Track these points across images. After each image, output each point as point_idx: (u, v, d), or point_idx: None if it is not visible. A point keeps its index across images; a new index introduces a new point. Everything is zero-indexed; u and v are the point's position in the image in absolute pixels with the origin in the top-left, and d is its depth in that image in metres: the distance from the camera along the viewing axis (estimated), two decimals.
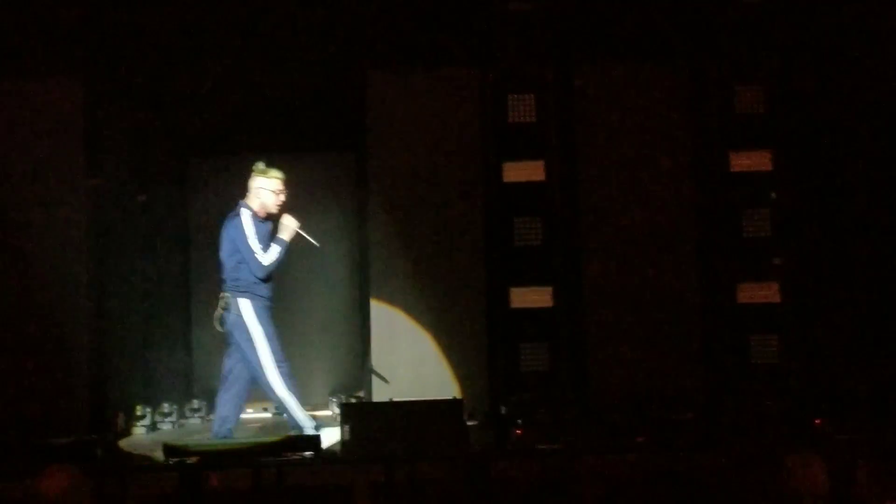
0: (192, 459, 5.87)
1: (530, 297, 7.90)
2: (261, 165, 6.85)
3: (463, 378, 7.84)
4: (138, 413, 7.86)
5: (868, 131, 7.76)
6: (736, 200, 7.96)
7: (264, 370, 6.63)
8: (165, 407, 8.05)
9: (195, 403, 8.43)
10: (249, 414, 8.63)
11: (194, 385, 8.84)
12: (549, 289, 7.88)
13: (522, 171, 7.92)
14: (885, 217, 7.68)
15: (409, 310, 7.94)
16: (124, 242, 7.99)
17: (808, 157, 7.92)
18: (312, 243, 6.81)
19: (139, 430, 7.80)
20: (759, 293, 7.90)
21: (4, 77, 7.65)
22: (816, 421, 6.35)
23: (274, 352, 6.69)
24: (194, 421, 8.35)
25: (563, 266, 7.95)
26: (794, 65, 7.90)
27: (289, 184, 6.93)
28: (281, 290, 8.91)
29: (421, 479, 5.70)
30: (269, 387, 6.67)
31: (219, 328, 6.67)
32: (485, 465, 5.73)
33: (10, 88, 7.71)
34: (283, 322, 8.90)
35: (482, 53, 7.94)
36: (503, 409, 7.59)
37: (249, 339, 6.62)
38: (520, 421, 6.30)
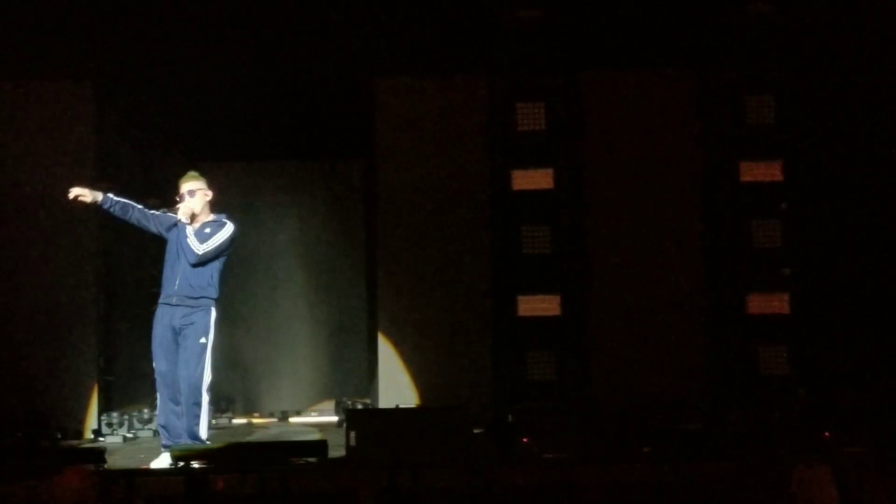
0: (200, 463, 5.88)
1: (538, 306, 7.90)
2: None
3: (469, 385, 7.84)
4: (114, 420, 7.70)
5: (879, 141, 7.73)
6: (746, 211, 7.95)
7: None
8: (146, 413, 7.83)
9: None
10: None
11: None
12: (557, 297, 7.88)
13: (531, 179, 7.94)
14: None
15: (417, 316, 7.95)
16: (133, 247, 8.03)
17: (818, 167, 7.90)
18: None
19: (115, 438, 7.63)
20: (769, 304, 7.88)
21: (17, 79, 7.74)
22: (825, 433, 6.31)
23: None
24: None
25: (571, 275, 7.94)
26: (804, 74, 7.89)
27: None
28: (289, 296, 8.98)
29: (425, 485, 5.69)
30: None
31: None
32: (489, 473, 5.72)
33: (22, 91, 7.80)
34: (292, 327, 8.96)
35: (491, 62, 7.96)
36: (509, 418, 7.57)
37: None
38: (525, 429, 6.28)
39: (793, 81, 7.91)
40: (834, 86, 7.82)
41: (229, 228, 6.37)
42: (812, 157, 7.91)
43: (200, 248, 6.26)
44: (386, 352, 7.96)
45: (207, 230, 6.35)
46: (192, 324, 6.24)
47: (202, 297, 6.28)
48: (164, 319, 6.30)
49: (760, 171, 7.94)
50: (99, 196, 6.37)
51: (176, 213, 6.36)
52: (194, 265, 6.26)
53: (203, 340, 6.25)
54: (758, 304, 7.89)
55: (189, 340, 6.24)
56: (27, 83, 7.80)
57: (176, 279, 6.29)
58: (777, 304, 7.89)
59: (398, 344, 7.94)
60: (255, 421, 8.74)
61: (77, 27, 7.46)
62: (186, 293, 6.26)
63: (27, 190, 7.80)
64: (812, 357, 7.80)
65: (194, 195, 6.38)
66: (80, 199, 6.36)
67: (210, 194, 6.45)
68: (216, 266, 6.34)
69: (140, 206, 6.44)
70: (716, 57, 7.96)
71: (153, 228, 6.43)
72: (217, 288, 6.34)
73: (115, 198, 6.41)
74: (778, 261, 7.93)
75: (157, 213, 6.44)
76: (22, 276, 7.76)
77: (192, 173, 6.50)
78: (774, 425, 7.13)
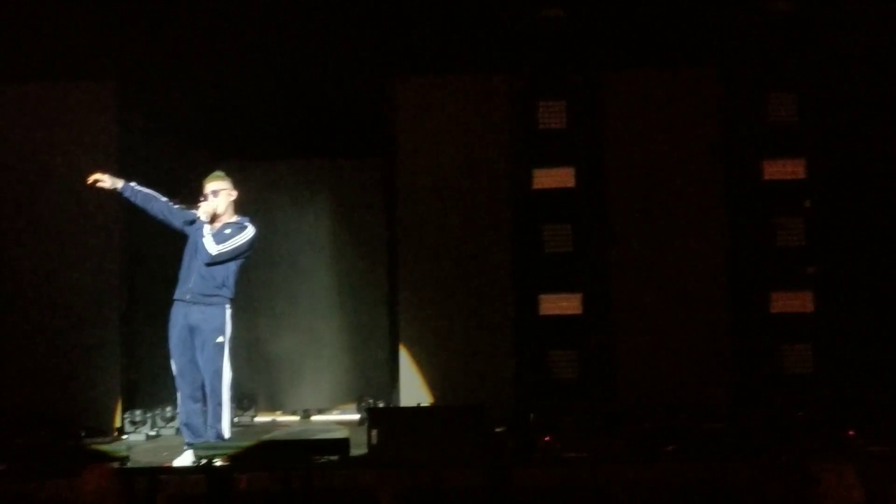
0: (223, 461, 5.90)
1: (560, 305, 7.89)
2: None
3: (491, 384, 7.83)
4: (137, 418, 7.75)
5: None
6: (769, 209, 7.91)
7: None
8: (168, 411, 7.83)
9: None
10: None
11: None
12: (579, 296, 7.86)
13: (552, 178, 7.92)
14: None
15: (438, 315, 7.95)
16: (155, 247, 8.08)
17: (842, 164, 7.84)
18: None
19: (138, 436, 7.66)
20: (793, 302, 7.84)
21: (39, 81, 7.81)
22: (850, 432, 6.27)
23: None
24: None
25: (593, 273, 7.93)
26: (826, 71, 7.83)
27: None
28: (311, 295, 9.00)
29: (446, 484, 5.69)
30: None
31: None
32: (510, 472, 5.71)
33: (44, 93, 7.88)
34: (314, 326, 8.98)
35: (512, 60, 7.95)
36: (531, 417, 7.56)
37: None
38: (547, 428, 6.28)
39: (815, 79, 7.85)
40: (856, 83, 7.76)
41: (249, 232, 6.38)
42: (835, 154, 7.86)
43: (215, 249, 6.29)
44: (407, 350, 7.97)
45: (227, 231, 6.37)
46: (207, 322, 6.26)
47: (216, 296, 6.30)
48: (178, 317, 6.32)
49: (783, 169, 7.90)
50: (119, 183, 6.40)
51: (198, 211, 6.40)
52: (208, 265, 6.29)
53: (221, 339, 6.27)
54: (782, 302, 7.84)
55: (207, 340, 6.26)
56: (51, 84, 7.86)
57: (191, 277, 6.32)
58: (801, 302, 7.84)
59: (419, 342, 7.94)
60: (277, 419, 8.77)
61: (99, 28, 7.52)
62: (201, 291, 6.28)
63: (50, 191, 7.87)
64: (836, 355, 7.75)
65: (218, 195, 6.41)
66: (98, 184, 6.40)
67: (234, 194, 6.47)
68: (232, 267, 6.36)
69: (164, 199, 6.46)
70: (738, 55, 7.92)
71: (175, 223, 6.45)
72: (232, 289, 6.35)
73: (138, 187, 6.43)
74: (802, 259, 7.88)
75: (182, 207, 6.46)
76: (45, 275, 7.83)
77: (217, 173, 6.52)
78: (799, 424, 7.09)
